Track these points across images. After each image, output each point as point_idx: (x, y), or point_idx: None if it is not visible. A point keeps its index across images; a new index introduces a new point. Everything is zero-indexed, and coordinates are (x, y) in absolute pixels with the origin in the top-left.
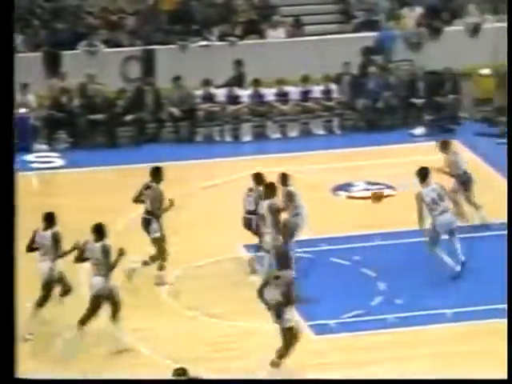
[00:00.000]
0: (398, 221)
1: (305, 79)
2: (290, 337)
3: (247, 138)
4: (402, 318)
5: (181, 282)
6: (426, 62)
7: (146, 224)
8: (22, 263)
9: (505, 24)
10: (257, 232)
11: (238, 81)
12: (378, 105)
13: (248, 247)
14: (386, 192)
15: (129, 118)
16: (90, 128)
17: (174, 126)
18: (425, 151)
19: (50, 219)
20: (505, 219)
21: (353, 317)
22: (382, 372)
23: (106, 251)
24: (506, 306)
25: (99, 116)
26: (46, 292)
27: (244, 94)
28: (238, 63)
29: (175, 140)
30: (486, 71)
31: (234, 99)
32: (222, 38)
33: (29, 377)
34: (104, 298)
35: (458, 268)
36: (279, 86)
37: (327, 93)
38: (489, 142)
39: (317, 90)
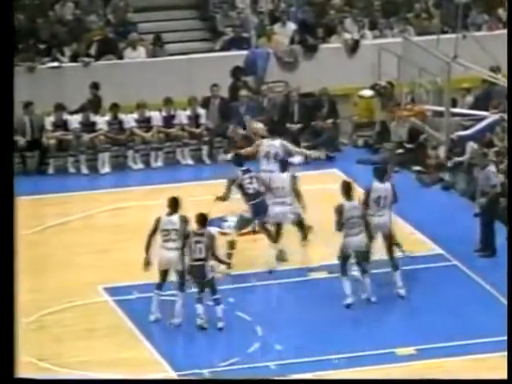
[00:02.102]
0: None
1: (168, 102)
2: None
3: (105, 169)
4: (282, 365)
5: (34, 330)
6: (301, 83)
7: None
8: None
9: (385, 40)
10: None
11: (93, 106)
12: None
13: (109, 290)
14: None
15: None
16: None
17: (20, 157)
18: (303, 181)
19: (175, 203)
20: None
21: (229, 365)
22: None
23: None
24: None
25: None
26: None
27: (101, 120)
28: (94, 86)
29: (22, 172)
30: (366, 92)
31: (89, 126)
32: (74, 58)
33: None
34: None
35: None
36: (140, 110)
37: (194, 118)
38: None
39: (183, 115)
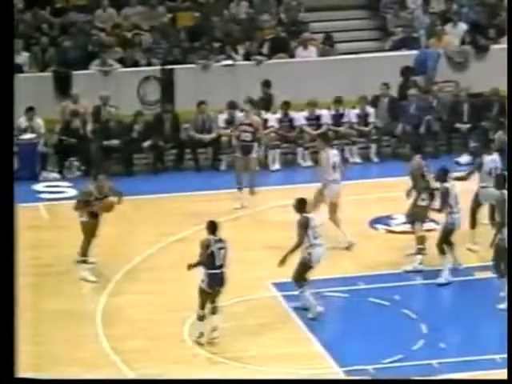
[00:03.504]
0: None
1: (338, 101)
2: None
3: (276, 166)
4: (446, 363)
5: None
6: (471, 84)
7: None
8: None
9: None
10: None
11: (265, 103)
12: (419, 130)
13: (277, 285)
14: (428, 226)
15: (146, 143)
16: (104, 155)
17: (195, 153)
18: (471, 181)
19: (302, 204)
20: None
21: (393, 362)
22: None
23: None
24: None
25: (114, 142)
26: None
27: (272, 117)
28: (266, 84)
29: (196, 168)
30: None
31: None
32: (247, 56)
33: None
34: None
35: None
36: (310, 108)
37: (363, 117)
38: None
39: (352, 114)
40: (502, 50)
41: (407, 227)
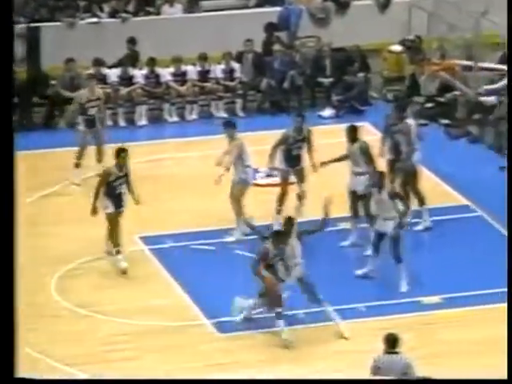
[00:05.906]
0: (304, 209)
1: (203, 58)
2: None
3: (142, 121)
4: (310, 313)
5: (70, 278)
6: (333, 39)
7: None
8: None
9: None
10: None
11: (131, 60)
12: (283, 85)
13: (144, 239)
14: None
15: (13, 101)
16: None
17: (62, 110)
18: (334, 134)
19: None
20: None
21: (259, 313)
22: (293, 371)
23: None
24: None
25: None
26: None
27: (138, 74)
28: (131, 41)
29: (66, 125)
30: (396, 47)
31: (127, 80)
32: (113, 14)
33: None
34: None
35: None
36: (176, 64)
37: (229, 72)
38: None
39: (217, 69)
40: (362, 6)
41: (272, 180)
